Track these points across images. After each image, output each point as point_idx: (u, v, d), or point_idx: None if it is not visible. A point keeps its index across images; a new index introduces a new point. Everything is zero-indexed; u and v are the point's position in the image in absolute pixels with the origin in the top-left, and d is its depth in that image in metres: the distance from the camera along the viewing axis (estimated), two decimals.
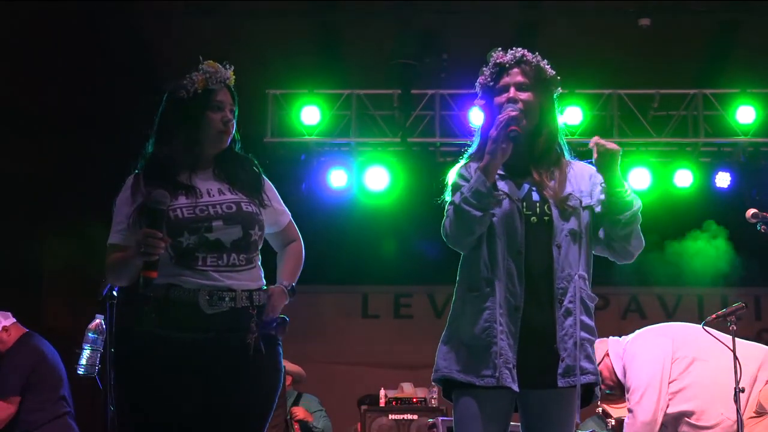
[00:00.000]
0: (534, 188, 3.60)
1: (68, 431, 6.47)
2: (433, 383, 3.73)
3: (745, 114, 9.26)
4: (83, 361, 5.11)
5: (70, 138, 8.98)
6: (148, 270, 3.38)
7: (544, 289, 3.51)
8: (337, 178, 9.60)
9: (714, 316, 5.36)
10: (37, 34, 8.24)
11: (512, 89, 3.61)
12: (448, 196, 3.64)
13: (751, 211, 4.87)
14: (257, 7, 8.66)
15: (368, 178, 9.55)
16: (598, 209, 3.64)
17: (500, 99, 3.62)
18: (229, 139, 3.69)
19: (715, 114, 9.47)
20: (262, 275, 3.68)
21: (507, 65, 3.65)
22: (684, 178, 9.54)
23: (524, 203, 3.57)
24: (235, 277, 3.55)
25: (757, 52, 9.13)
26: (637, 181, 9.52)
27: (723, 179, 9.48)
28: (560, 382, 3.46)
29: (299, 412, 8.04)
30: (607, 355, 5.52)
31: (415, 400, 8.05)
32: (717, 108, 9.43)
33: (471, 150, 3.73)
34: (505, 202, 3.54)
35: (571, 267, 3.54)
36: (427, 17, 8.99)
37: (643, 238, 3.65)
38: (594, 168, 3.72)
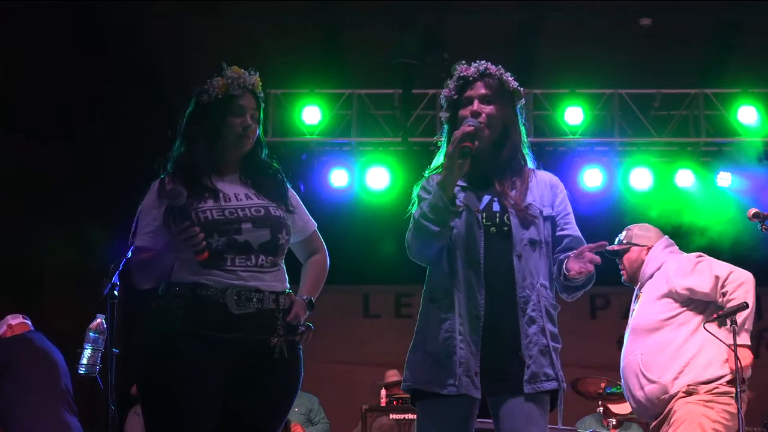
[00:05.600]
0: (495, 199, 3.65)
1: (58, 426, 6.45)
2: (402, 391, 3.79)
3: (746, 114, 9.27)
4: (84, 361, 5.11)
5: (71, 138, 8.98)
6: (199, 255, 3.46)
7: (505, 298, 3.55)
8: (338, 178, 9.61)
9: (715, 315, 5.36)
10: (38, 34, 8.24)
11: (476, 102, 3.65)
12: (413, 209, 3.71)
13: (753, 210, 4.87)
14: (258, 6, 8.66)
15: (369, 178, 9.56)
16: (557, 220, 3.71)
17: (464, 112, 3.67)
18: (250, 144, 3.73)
19: (717, 114, 9.48)
20: (286, 277, 3.71)
21: (471, 78, 3.70)
22: (685, 177, 9.55)
23: (484, 214, 3.61)
24: (262, 278, 3.59)
25: (758, 51, 9.12)
26: (639, 181, 9.53)
27: (724, 179, 9.48)
28: (526, 389, 3.50)
29: (297, 429, 8.12)
30: (648, 248, 5.72)
31: None
32: (718, 108, 9.43)
33: (435, 163, 3.79)
34: (465, 214, 3.59)
35: (533, 276, 3.58)
36: (427, 17, 8.99)
37: (579, 295, 3.73)
38: (556, 178, 3.80)
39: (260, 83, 3.74)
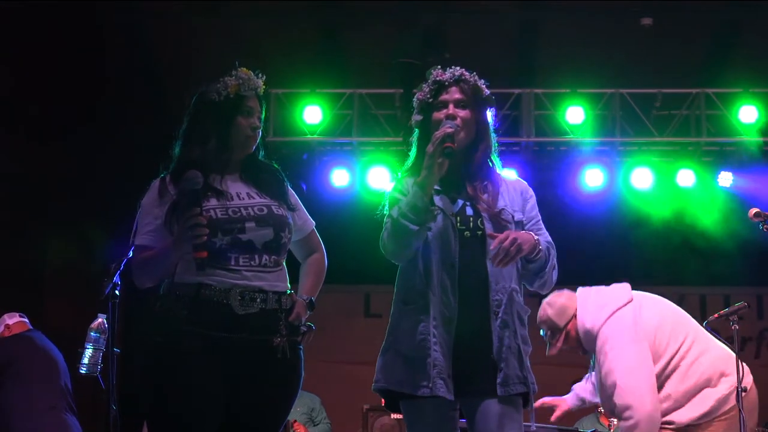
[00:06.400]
0: (468, 203, 3.69)
1: (58, 425, 6.45)
2: (373, 392, 3.80)
3: (747, 113, 9.26)
4: (85, 360, 5.10)
5: (71, 138, 8.97)
6: (198, 251, 3.43)
7: (478, 301, 3.59)
8: (339, 178, 9.61)
9: (716, 315, 5.34)
10: (38, 34, 8.24)
11: (451, 106, 3.70)
12: (386, 210, 3.73)
13: (754, 210, 4.84)
14: (259, 6, 8.67)
15: (370, 178, 9.55)
16: (527, 227, 3.72)
17: (439, 115, 3.71)
18: (255, 146, 3.74)
19: (718, 113, 9.46)
20: (287, 277, 3.71)
21: (446, 83, 3.74)
22: (686, 177, 9.54)
23: (458, 218, 3.65)
24: (265, 278, 3.59)
25: (759, 51, 9.12)
26: (640, 180, 9.53)
27: (725, 179, 9.47)
28: (500, 391, 3.55)
29: (300, 429, 8.10)
30: (575, 316, 5.32)
31: None
32: (719, 107, 9.42)
33: (407, 164, 3.84)
34: (439, 217, 3.62)
35: (505, 280, 3.62)
36: (428, 16, 8.99)
37: (551, 282, 3.74)
38: (525, 183, 3.87)
39: (264, 87, 3.76)
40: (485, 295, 3.58)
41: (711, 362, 5.12)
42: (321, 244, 3.96)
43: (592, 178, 9.52)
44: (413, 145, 3.85)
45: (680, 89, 9.45)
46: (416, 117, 3.81)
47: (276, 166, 3.86)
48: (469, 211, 3.67)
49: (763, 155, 9.47)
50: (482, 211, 3.65)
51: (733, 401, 5.02)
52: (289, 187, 3.85)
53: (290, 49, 9.13)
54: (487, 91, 3.79)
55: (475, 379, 3.56)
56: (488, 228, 3.62)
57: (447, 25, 9.13)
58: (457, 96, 3.71)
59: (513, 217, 3.69)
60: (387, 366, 3.68)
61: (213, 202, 3.58)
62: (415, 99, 3.82)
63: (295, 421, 8.08)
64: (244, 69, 3.73)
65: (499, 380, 3.54)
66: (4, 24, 7.95)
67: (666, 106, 9.47)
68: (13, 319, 6.65)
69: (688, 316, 5.36)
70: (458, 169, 3.69)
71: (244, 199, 3.66)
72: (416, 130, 3.84)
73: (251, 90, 3.70)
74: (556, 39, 9.23)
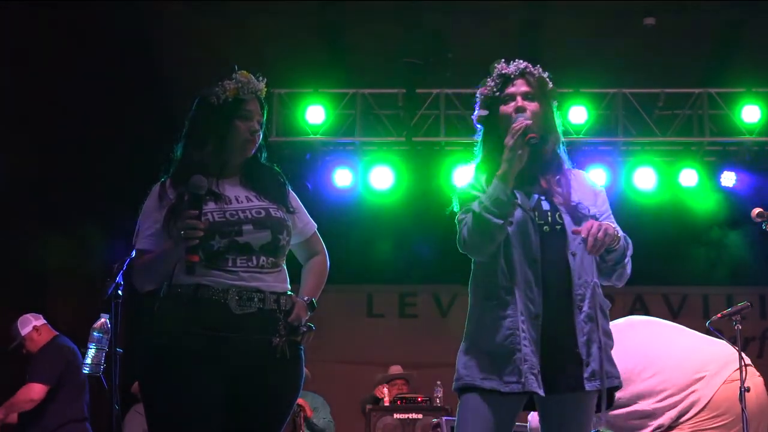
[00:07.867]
0: (542, 197, 3.64)
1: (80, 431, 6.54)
2: (454, 391, 3.72)
3: (750, 113, 9.26)
4: (88, 360, 5.11)
5: (71, 138, 8.97)
6: (190, 254, 3.44)
7: (562, 296, 3.55)
8: (341, 178, 9.61)
9: (719, 315, 5.35)
10: (39, 34, 8.24)
11: (519, 98, 3.66)
12: (456, 207, 3.68)
13: (757, 210, 4.84)
14: (261, 5, 8.66)
15: (373, 178, 9.56)
16: (600, 220, 3.65)
17: (507, 108, 3.66)
18: (254, 149, 3.74)
19: (721, 113, 9.46)
20: (287, 278, 3.71)
21: (512, 76, 3.71)
22: (689, 177, 9.54)
23: (536, 212, 3.60)
24: (262, 279, 3.59)
25: (762, 51, 9.11)
26: (642, 180, 9.52)
27: (728, 178, 9.47)
28: (587, 386, 3.51)
29: (302, 401, 8.08)
30: None
31: (420, 399, 8.05)
32: (722, 107, 9.42)
33: (477, 161, 3.76)
34: (518, 212, 3.57)
35: (587, 274, 3.59)
36: (431, 16, 8.99)
37: (627, 274, 3.74)
38: (591, 178, 3.87)
39: (265, 90, 3.75)
40: (568, 289, 3.54)
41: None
42: (323, 247, 3.96)
43: (595, 178, 9.50)
44: (480, 141, 3.79)
45: (683, 89, 9.45)
46: (482, 112, 3.75)
47: (277, 169, 3.86)
48: (545, 205, 3.63)
49: (766, 155, 9.47)
50: (559, 205, 3.61)
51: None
52: (290, 190, 3.85)
53: (293, 49, 9.13)
54: (552, 84, 3.78)
55: (561, 374, 3.52)
56: (567, 221, 3.59)
57: (450, 24, 9.13)
58: (524, 89, 3.68)
59: (588, 210, 3.65)
60: (471, 363, 3.58)
61: (211, 205, 3.59)
62: (478, 94, 3.76)
63: (302, 398, 8.09)
64: (244, 72, 3.71)
65: (586, 375, 3.50)
66: (5, 24, 7.95)
67: (669, 105, 9.47)
68: (39, 320, 6.75)
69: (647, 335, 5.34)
70: (530, 163, 3.61)
71: (242, 202, 3.67)
72: (480, 126, 3.78)
73: (251, 93, 3.68)
74: (558, 38, 9.22)
